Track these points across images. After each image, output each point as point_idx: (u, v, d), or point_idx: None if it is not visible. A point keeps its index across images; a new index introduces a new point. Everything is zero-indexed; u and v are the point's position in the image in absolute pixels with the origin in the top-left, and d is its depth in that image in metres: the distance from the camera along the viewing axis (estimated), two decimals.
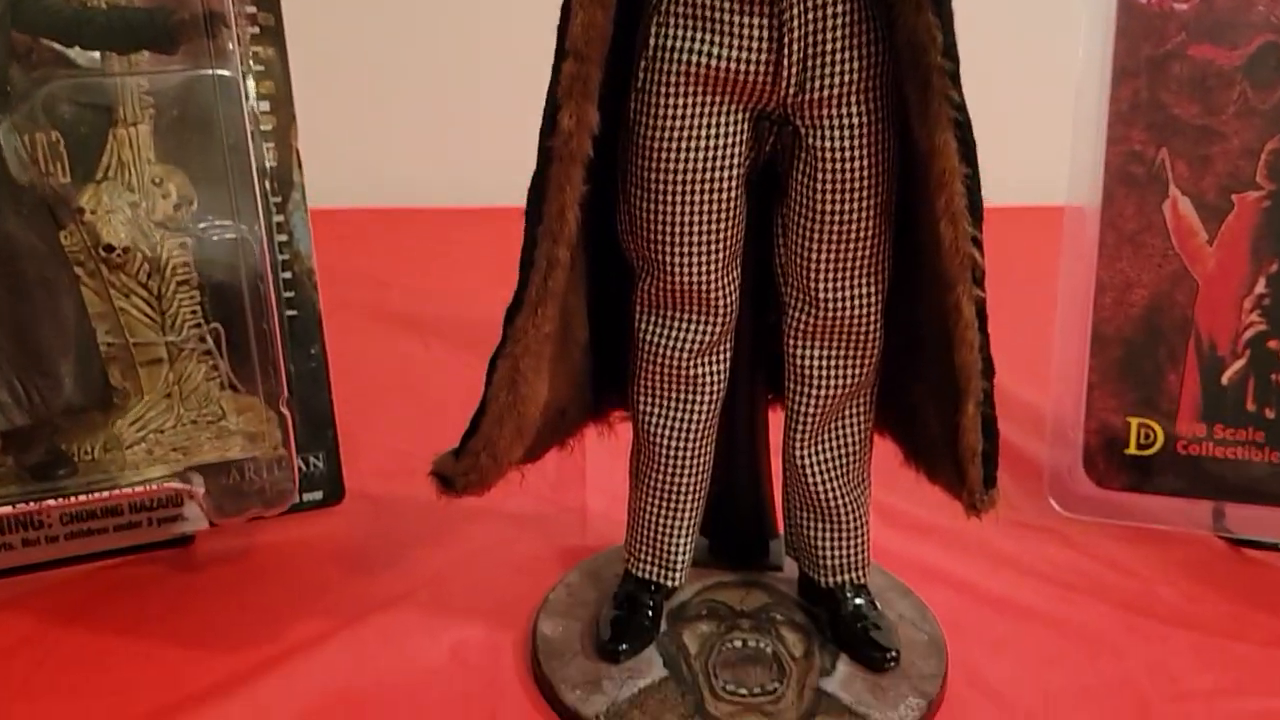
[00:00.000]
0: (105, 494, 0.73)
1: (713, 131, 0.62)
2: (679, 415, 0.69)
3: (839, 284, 0.65)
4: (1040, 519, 0.88)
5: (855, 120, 0.61)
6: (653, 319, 0.68)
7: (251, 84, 0.82)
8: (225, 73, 0.73)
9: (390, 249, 1.53)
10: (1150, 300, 0.84)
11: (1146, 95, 0.84)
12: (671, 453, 0.70)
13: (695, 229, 0.63)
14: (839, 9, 0.59)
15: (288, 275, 0.86)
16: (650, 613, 0.73)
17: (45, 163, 0.74)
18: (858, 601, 0.73)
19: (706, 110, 0.61)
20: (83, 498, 0.74)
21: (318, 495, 0.88)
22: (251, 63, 0.83)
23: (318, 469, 0.88)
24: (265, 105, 0.84)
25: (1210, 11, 0.83)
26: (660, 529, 0.72)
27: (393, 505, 0.91)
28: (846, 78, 0.60)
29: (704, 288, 0.65)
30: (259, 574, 0.82)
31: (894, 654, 0.70)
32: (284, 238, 0.85)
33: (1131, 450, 0.85)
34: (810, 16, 0.59)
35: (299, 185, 0.86)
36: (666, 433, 0.70)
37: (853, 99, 0.61)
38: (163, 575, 0.81)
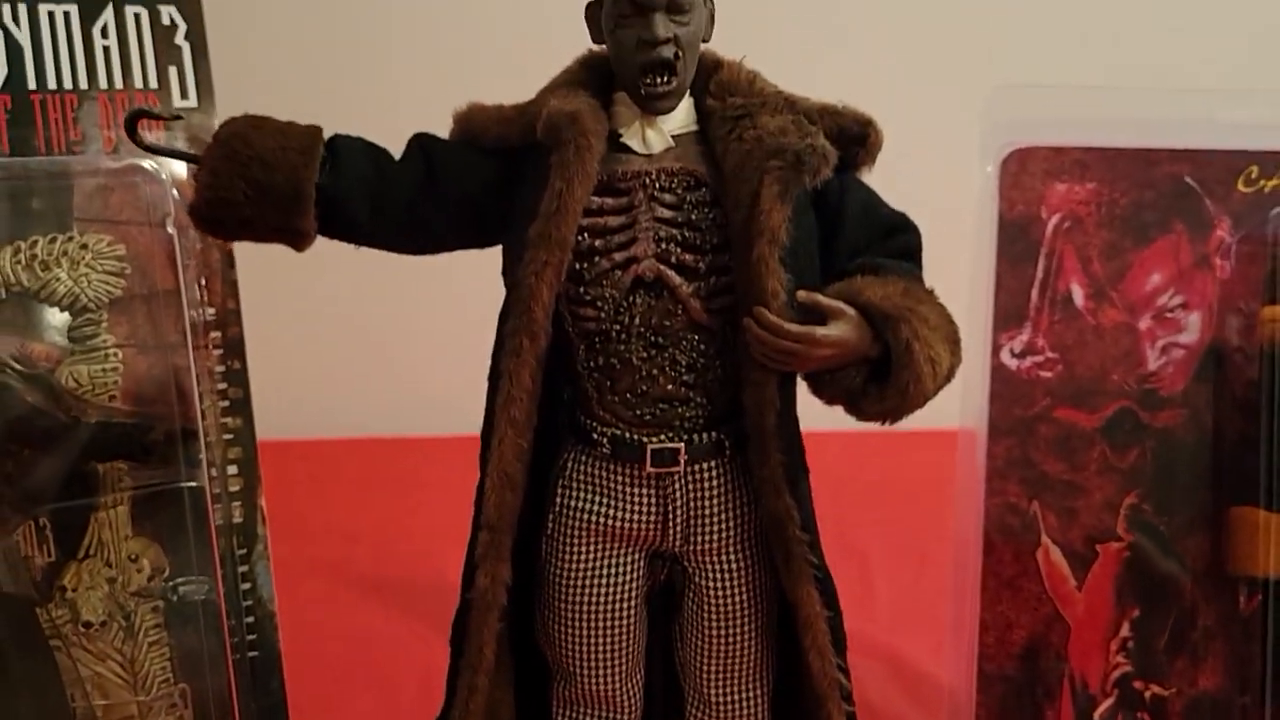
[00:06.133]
0: None
1: (611, 572, 0.71)
2: None
3: (728, 690, 0.74)
4: None
5: (734, 566, 0.71)
6: (567, 713, 0.77)
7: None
8: (194, 484, 0.83)
9: (363, 489, 1.62)
10: (1028, 641, 0.93)
11: (1019, 453, 0.94)
12: None
13: (599, 648, 0.73)
14: (714, 485, 0.69)
15: (250, 619, 0.95)
16: None
17: (32, 545, 0.84)
18: None
19: (606, 555, 0.71)
20: None
21: None
22: (222, 434, 0.93)
23: None
24: (234, 469, 0.94)
25: (1072, 379, 0.94)
26: None
27: None
28: (724, 534, 0.70)
29: (608, 693, 0.74)
30: None
31: None
32: (247, 585, 0.95)
33: None
34: (690, 489, 0.69)
35: (262, 537, 0.95)
36: None
37: (731, 549, 0.71)
38: None
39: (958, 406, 0.97)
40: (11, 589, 0.80)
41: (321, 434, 1.74)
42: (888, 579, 1.36)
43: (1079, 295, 0.94)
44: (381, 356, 1.76)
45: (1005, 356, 0.95)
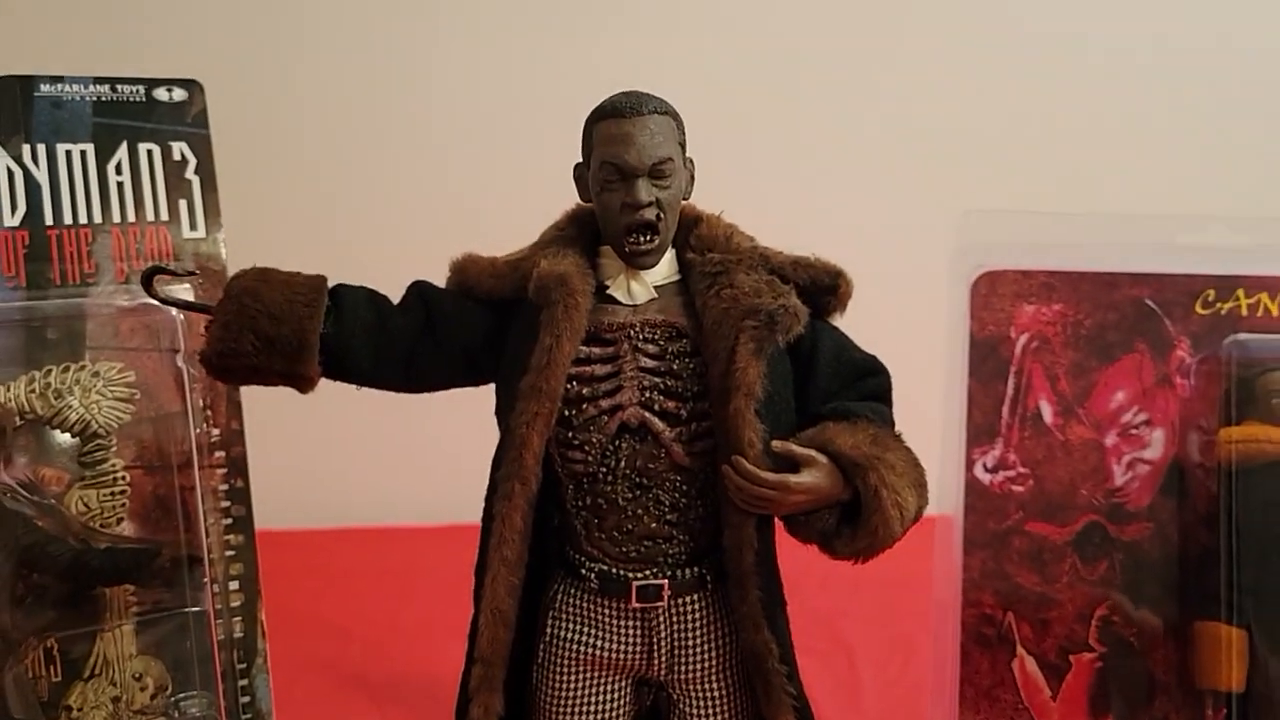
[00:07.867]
0: None
1: (599, 698, 0.74)
2: None
3: None
4: None
5: (716, 694, 0.74)
6: None
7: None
8: (198, 609, 0.86)
9: (354, 580, 1.63)
10: None
11: (993, 565, 0.98)
12: None
13: None
14: (697, 617, 0.73)
15: None
16: None
17: (40, 665, 0.87)
18: None
19: (593, 683, 0.74)
20: None
21: None
22: (225, 551, 0.97)
23: None
24: (235, 585, 0.97)
25: (1042, 494, 0.98)
26: None
27: None
28: (706, 663, 0.74)
29: None
30: None
31: None
32: (247, 699, 0.97)
33: None
34: (674, 621, 0.73)
35: (262, 651, 0.98)
36: None
37: (713, 678, 0.74)
38: None
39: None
40: (20, 715, 0.83)
41: (311, 524, 1.76)
42: (873, 671, 1.38)
43: (1048, 412, 0.98)
44: (374, 446, 1.79)
45: (979, 471, 0.99)
